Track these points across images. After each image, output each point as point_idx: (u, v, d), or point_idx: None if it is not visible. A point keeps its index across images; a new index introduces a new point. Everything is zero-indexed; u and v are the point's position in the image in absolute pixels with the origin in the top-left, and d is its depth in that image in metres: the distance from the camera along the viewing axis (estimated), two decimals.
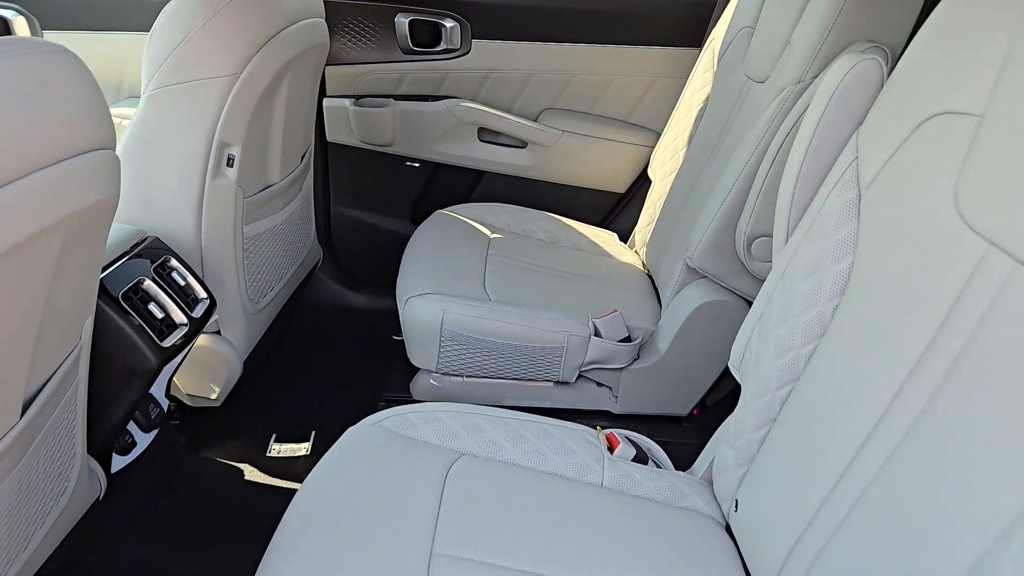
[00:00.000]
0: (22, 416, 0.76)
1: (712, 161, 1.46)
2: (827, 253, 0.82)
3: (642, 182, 1.93)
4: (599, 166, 1.92)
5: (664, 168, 1.69)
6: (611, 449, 1.02)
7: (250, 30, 1.20)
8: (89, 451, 1.05)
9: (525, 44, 1.83)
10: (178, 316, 1.15)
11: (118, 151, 1.22)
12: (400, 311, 1.37)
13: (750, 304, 1.32)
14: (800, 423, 0.82)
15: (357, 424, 0.98)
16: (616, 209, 1.99)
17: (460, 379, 1.38)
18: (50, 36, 1.97)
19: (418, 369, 1.41)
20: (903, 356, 0.69)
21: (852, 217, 0.80)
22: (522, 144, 1.92)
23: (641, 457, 1.03)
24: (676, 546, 0.89)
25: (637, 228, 1.78)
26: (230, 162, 1.26)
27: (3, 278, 0.62)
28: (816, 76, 1.13)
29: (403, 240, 1.68)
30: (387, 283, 1.77)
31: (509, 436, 0.99)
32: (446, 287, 1.37)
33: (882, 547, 0.66)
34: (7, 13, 1.71)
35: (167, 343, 1.10)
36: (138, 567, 1.20)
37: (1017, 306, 0.60)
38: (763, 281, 1.26)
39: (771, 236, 1.16)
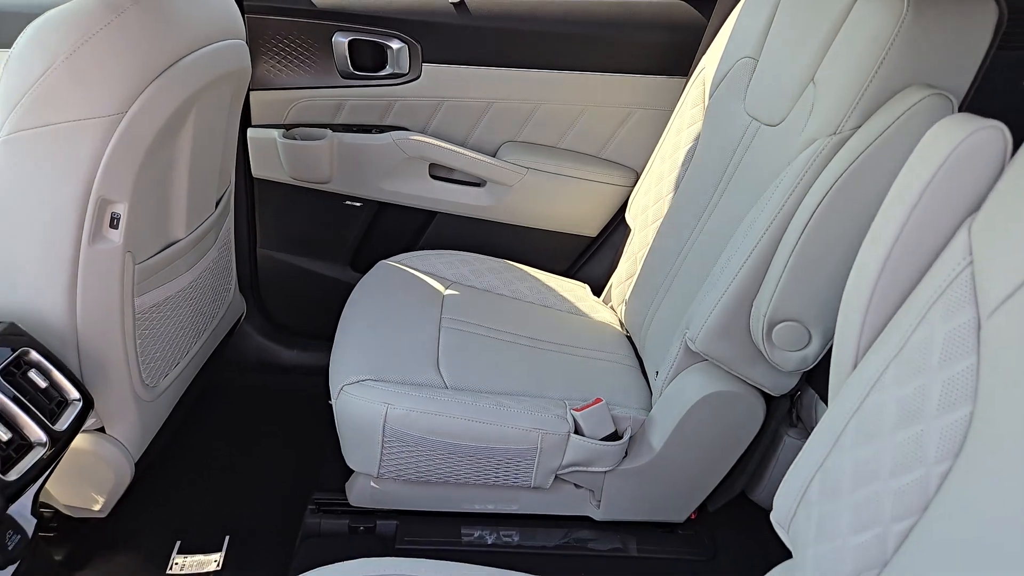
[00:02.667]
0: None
1: (709, 213, 1.26)
2: (932, 396, 0.60)
3: (616, 225, 1.72)
4: (568, 207, 1.71)
5: (646, 215, 1.48)
6: None
7: (139, 59, 0.93)
8: None
9: (483, 70, 1.60)
10: (34, 433, 0.87)
11: None
12: (333, 401, 1.12)
13: (766, 396, 1.12)
14: None
15: None
16: (586, 255, 1.78)
17: (408, 483, 1.14)
18: None
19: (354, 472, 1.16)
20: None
21: (970, 350, 0.59)
22: (480, 182, 1.69)
23: None
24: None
25: (614, 281, 1.57)
26: (114, 223, 0.99)
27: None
28: (857, 127, 0.93)
29: (342, 287, 1.43)
30: (323, 335, 1.51)
31: None
32: (390, 371, 1.13)
33: None
34: None
35: (12, 476, 0.83)
36: None
37: None
38: (784, 372, 1.05)
39: (798, 321, 0.96)
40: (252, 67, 1.41)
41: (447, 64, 1.60)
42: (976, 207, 0.64)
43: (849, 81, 0.94)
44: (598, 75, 1.62)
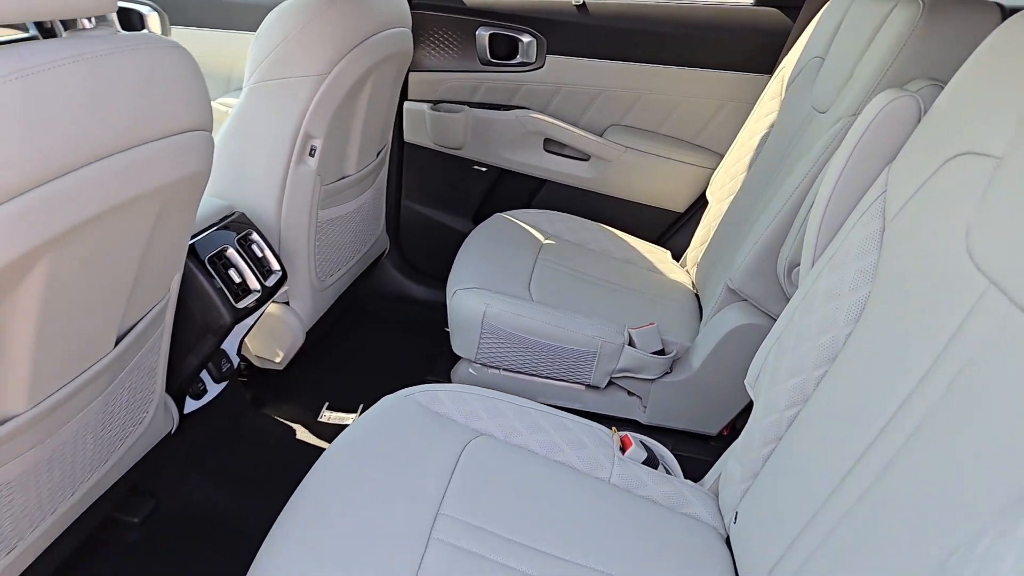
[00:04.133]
0: (115, 347, 0.90)
1: (768, 188, 1.49)
2: (846, 281, 0.86)
3: (701, 203, 1.97)
4: (659, 184, 1.98)
5: (722, 190, 1.72)
6: (623, 450, 1.08)
7: (340, 36, 1.34)
8: (167, 391, 1.20)
9: (597, 62, 1.92)
10: (253, 283, 1.30)
11: (219, 135, 1.38)
12: (448, 302, 1.48)
13: None
14: (803, 442, 0.86)
15: (391, 395, 1.08)
16: (673, 228, 2.04)
17: (497, 371, 1.47)
18: (176, 31, 2.21)
19: (460, 358, 1.51)
20: (904, 382, 0.73)
21: (874, 248, 0.84)
22: (585, 157, 2.00)
23: (652, 461, 1.09)
24: (672, 548, 0.95)
25: (690, 247, 1.82)
26: (312, 152, 1.41)
27: (110, 230, 0.76)
28: None
29: (463, 238, 1.80)
30: (445, 277, 1.89)
31: (528, 424, 1.08)
32: (492, 284, 1.47)
33: (863, 553, 0.70)
34: (143, 8, 1.94)
35: (241, 305, 1.25)
36: (196, 499, 1.35)
37: (1007, 346, 0.63)
38: None
39: None
40: (415, 53, 1.81)
41: (567, 56, 1.93)
42: (895, 155, 0.88)
43: (873, 72, 1.16)
44: (695, 70, 1.88)
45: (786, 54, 1.69)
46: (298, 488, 0.91)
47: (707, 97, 1.90)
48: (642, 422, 1.48)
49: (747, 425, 0.99)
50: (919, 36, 1.09)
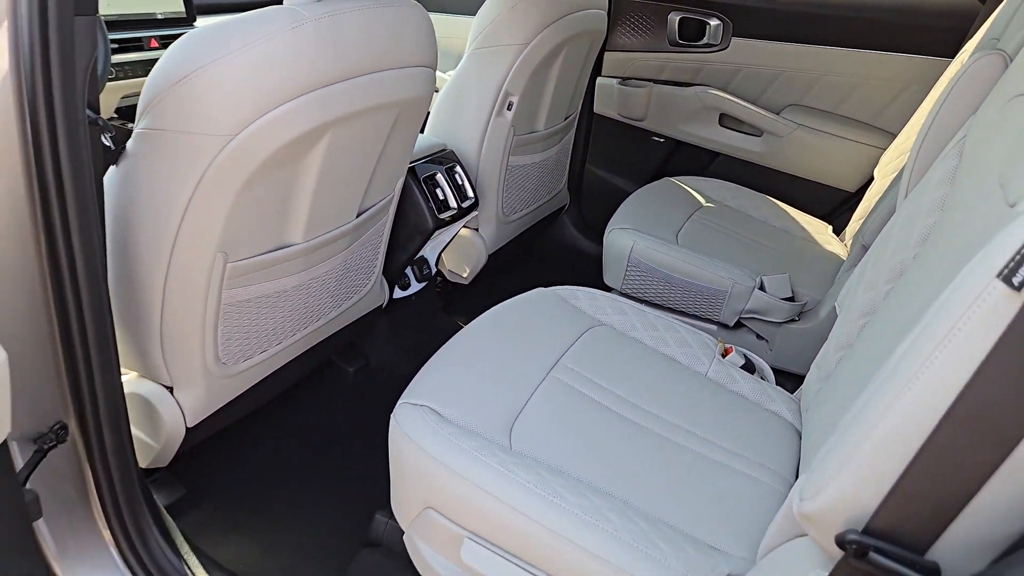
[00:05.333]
0: (356, 218, 1.31)
1: (929, 165, 1.54)
2: (923, 208, 0.98)
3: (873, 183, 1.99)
4: (830, 162, 2.03)
5: (888, 167, 1.76)
6: (724, 355, 1.27)
7: (540, 14, 1.66)
8: (384, 274, 1.62)
9: (780, 44, 2.03)
10: (452, 202, 1.68)
11: (442, 90, 1.78)
12: (604, 239, 1.74)
13: None
14: (865, 348, 1.00)
15: (541, 288, 1.38)
16: (843, 207, 2.08)
17: (639, 301, 1.70)
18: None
19: (611, 289, 1.77)
20: (937, 284, 0.85)
21: (948, 182, 0.95)
22: (758, 132, 2.12)
23: (749, 368, 1.26)
24: (749, 430, 1.12)
25: (851, 222, 1.88)
26: (509, 107, 1.75)
27: (363, 127, 1.14)
28: None
29: None
30: None
31: (644, 323, 1.31)
32: (643, 227, 1.70)
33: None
34: None
35: (442, 216, 1.63)
36: (396, 365, 1.77)
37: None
38: None
39: None
40: (611, 34, 2.09)
41: (751, 39, 2.07)
42: (975, 111, 0.96)
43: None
44: (877, 53, 1.91)
45: (969, 38, 1.68)
46: (451, 339, 1.20)
47: (887, 79, 1.92)
48: (768, 363, 1.61)
49: (829, 335, 1.13)
50: None
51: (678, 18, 2.14)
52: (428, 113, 1.64)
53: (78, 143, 0.80)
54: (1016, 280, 0.50)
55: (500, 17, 1.67)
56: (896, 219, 1.04)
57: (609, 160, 2.38)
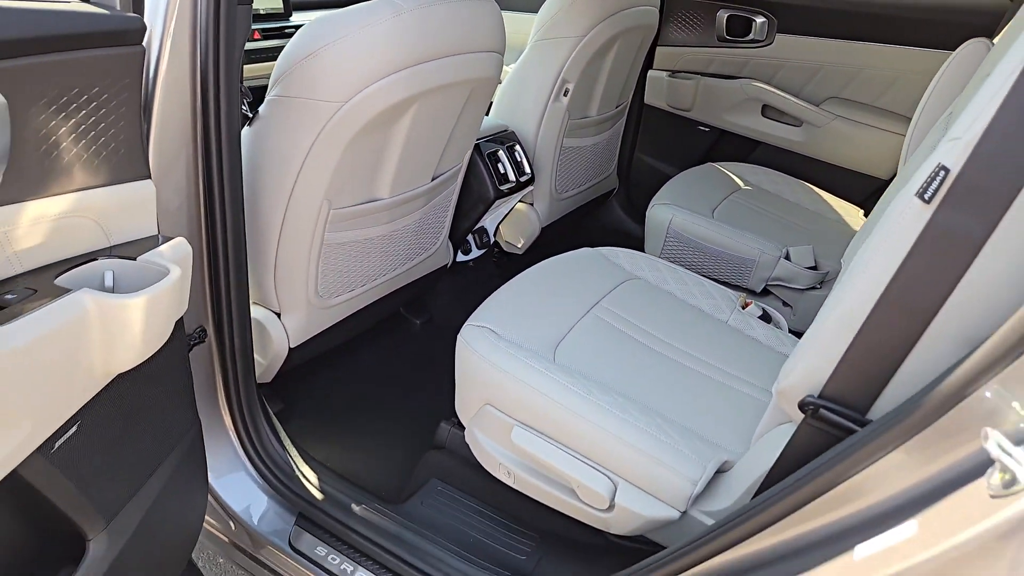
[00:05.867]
0: (431, 181, 1.55)
1: None
2: (917, 179, 1.14)
3: None
4: (866, 151, 2.17)
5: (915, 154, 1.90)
6: (744, 307, 1.45)
7: (595, 9, 1.87)
8: (450, 236, 1.86)
9: (821, 40, 2.18)
10: (511, 176, 1.91)
11: (507, 78, 2.01)
12: (648, 212, 1.93)
13: None
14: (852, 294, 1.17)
15: (586, 248, 1.58)
16: (877, 194, 2.20)
17: None
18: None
19: None
20: None
21: (931, 149, 1.11)
22: (798, 123, 2.27)
23: (766, 318, 1.44)
24: (761, 367, 1.30)
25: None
26: (566, 93, 1.97)
27: (442, 101, 1.38)
28: None
29: None
30: None
31: (676, 279, 1.50)
32: (683, 203, 1.89)
33: None
34: None
35: (502, 188, 1.86)
36: (457, 321, 2.01)
37: None
38: None
39: None
40: (663, 30, 2.28)
41: (795, 35, 2.22)
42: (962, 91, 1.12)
43: None
44: (914, 49, 2.04)
45: (998, 34, 1.80)
46: (509, 281, 1.43)
47: (924, 74, 2.04)
48: (791, 328, 1.78)
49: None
50: None
51: (726, 15, 2.30)
52: (493, 98, 1.87)
53: (234, 104, 1.06)
54: (927, 195, 0.69)
55: (560, 12, 1.88)
56: (894, 183, 1.20)
57: (657, 148, 2.56)
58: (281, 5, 2.25)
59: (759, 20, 2.26)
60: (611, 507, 1.04)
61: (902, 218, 0.71)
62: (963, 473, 0.57)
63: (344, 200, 1.34)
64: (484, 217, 2.01)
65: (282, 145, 1.22)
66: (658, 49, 2.43)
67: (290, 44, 1.18)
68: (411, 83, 1.23)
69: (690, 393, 1.17)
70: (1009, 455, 0.52)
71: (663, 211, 1.87)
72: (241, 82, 1.15)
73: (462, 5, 1.31)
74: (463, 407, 1.22)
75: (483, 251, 2.11)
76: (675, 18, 2.39)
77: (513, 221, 2.15)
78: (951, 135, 0.71)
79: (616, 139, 2.37)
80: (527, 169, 1.97)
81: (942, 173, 0.68)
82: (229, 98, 1.05)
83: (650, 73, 2.45)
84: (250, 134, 1.26)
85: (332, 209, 1.32)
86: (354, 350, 1.79)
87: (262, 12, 2.22)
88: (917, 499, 0.60)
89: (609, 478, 1.04)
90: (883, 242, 0.74)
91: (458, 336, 1.23)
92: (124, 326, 0.80)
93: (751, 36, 2.29)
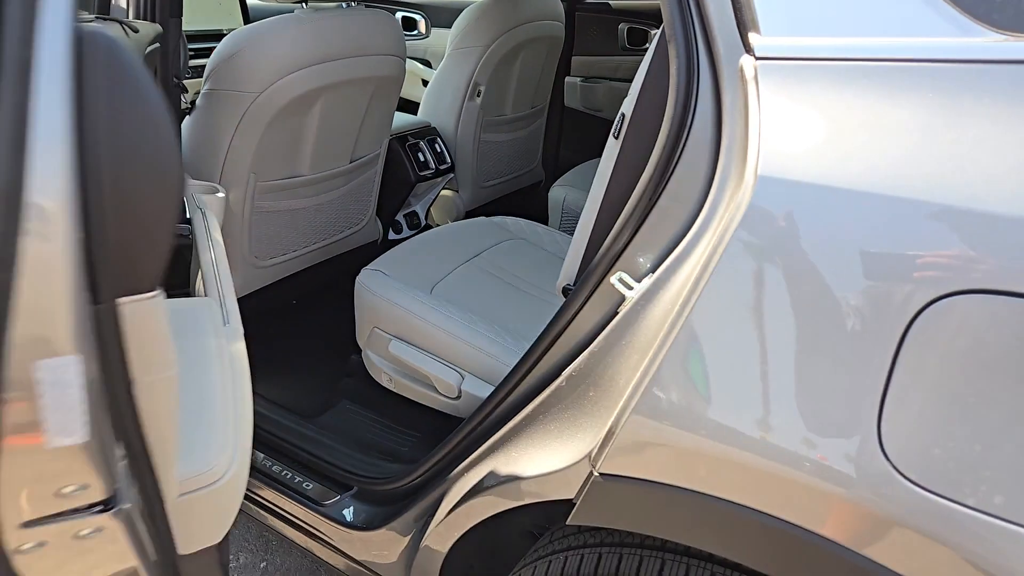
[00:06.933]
0: (349, 163, 1.88)
1: None
2: None
3: None
4: None
5: None
6: None
7: (497, 23, 2.21)
8: (380, 216, 2.18)
9: None
10: (432, 164, 2.24)
11: (431, 82, 2.35)
12: (549, 193, 2.26)
13: None
14: None
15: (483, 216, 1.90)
16: None
17: None
18: (436, 31, 3.32)
19: None
20: None
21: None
22: None
23: None
24: None
25: None
26: (479, 94, 2.30)
27: (348, 93, 1.71)
28: None
29: None
30: None
31: (551, 240, 1.82)
32: (577, 184, 2.22)
33: None
34: (415, 15, 3.06)
35: (422, 174, 2.19)
36: None
37: None
38: None
39: None
40: (577, 41, 2.63)
41: None
42: None
43: None
44: None
45: None
46: (405, 242, 1.75)
47: None
48: None
49: None
50: None
51: (626, 28, 2.65)
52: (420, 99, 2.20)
53: (174, 96, 1.39)
54: (616, 134, 1.01)
55: (468, 25, 2.23)
56: None
57: (578, 144, 2.90)
58: (242, 25, 2.61)
59: (653, 31, 2.60)
60: (459, 395, 1.35)
61: (608, 151, 1.04)
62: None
63: (270, 174, 1.66)
64: (412, 200, 2.34)
65: (215, 127, 1.55)
66: (574, 58, 2.78)
67: (218, 48, 1.51)
68: (316, 77, 1.57)
69: (529, 312, 1.48)
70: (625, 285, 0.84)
71: (559, 191, 2.20)
72: (181, 81, 1.49)
73: (356, 14, 1.65)
74: (360, 333, 1.54)
75: (414, 232, 2.43)
76: (585, 31, 2.74)
77: (440, 205, 2.48)
78: (629, 93, 1.04)
79: (538, 135, 2.71)
80: (447, 159, 2.30)
81: (621, 117, 1.00)
82: (167, 90, 1.38)
83: (567, 79, 2.80)
84: (190, 121, 1.59)
85: (258, 181, 1.65)
86: (299, 310, 2.11)
87: (225, 31, 2.58)
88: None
89: (458, 372, 1.35)
90: (601, 168, 1.06)
91: (356, 280, 1.55)
92: None
93: (647, 45, 2.63)
